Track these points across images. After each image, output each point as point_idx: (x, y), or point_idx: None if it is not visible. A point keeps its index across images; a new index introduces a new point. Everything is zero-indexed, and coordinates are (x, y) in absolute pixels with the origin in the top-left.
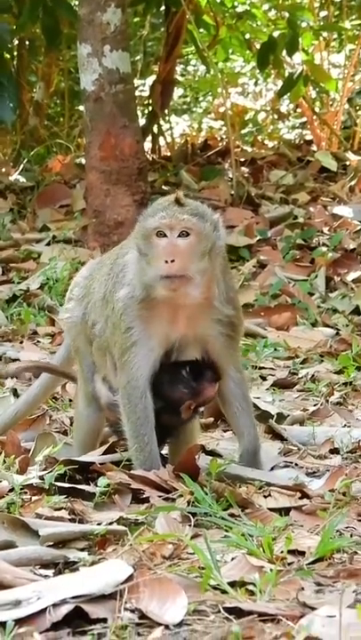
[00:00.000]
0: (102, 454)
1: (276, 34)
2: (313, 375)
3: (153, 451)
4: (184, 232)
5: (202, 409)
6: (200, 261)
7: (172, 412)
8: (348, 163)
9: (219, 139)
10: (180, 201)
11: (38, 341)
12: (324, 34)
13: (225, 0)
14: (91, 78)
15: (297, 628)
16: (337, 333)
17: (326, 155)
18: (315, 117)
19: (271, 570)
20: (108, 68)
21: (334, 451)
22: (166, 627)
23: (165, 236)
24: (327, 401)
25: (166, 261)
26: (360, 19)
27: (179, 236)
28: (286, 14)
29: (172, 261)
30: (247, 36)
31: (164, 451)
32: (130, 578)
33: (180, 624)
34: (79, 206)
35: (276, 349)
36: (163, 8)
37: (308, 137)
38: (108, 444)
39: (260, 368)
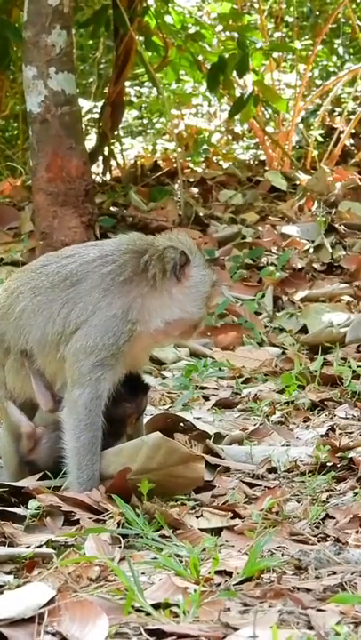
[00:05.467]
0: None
1: (226, 55)
2: (255, 394)
3: (96, 472)
4: None
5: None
6: None
7: (114, 432)
8: (298, 182)
9: (173, 160)
10: None
11: None
12: (276, 54)
13: (175, 21)
14: (36, 100)
15: None
16: (283, 353)
17: (276, 174)
18: (266, 138)
19: (195, 591)
20: (54, 90)
21: (272, 470)
22: None
23: None
24: (268, 420)
25: None
26: (312, 39)
27: None
28: (236, 35)
29: None
30: (198, 56)
31: None
32: (51, 601)
33: None
34: (27, 228)
35: (220, 369)
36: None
37: (263, 157)
38: (42, 472)
39: (203, 388)
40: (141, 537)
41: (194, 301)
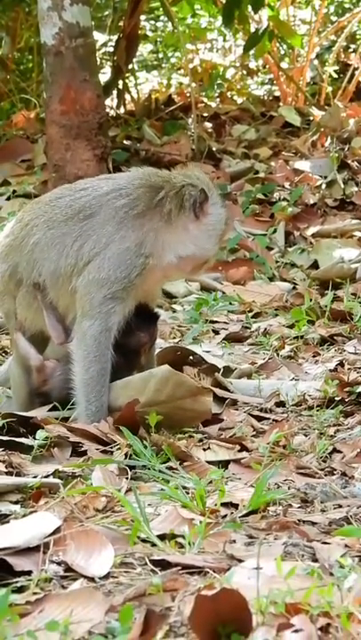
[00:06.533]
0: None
1: None
2: (265, 329)
3: (104, 404)
4: None
5: None
6: None
7: (128, 363)
8: (311, 118)
9: (187, 94)
10: None
11: None
12: None
13: None
14: (51, 32)
15: (221, 580)
16: (294, 288)
17: (290, 110)
18: (281, 73)
19: (201, 522)
20: (68, 22)
21: (281, 404)
22: (91, 579)
23: None
24: (277, 354)
25: None
26: None
27: None
28: None
29: None
30: None
31: None
32: (57, 530)
33: (105, 576)
34: (40, 161)
35: (230, 303)
36: None
37: (277, 93)
38: (51, 404)
39: (214, 322)
40: (148, 469)
41: (209, 238)
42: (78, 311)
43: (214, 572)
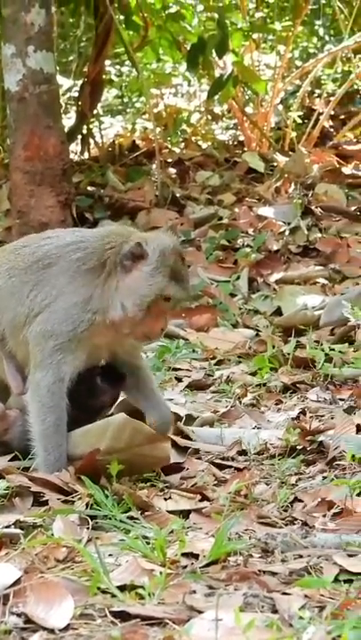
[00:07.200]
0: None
1: (206, 35)
2: (228, 376)
3: (63, 454)
4: None
5: None
6: None
7: (88, 421)
8: (275, 164)
9: (153, 139)
10: None
11: None
12: (256, 35)
13: (155, 0)
14: (15, 78)
15: (180, 632)
16: (257, 335)
17: (254, 155)
18: (245, 118)
19: (161, 573)
20: (32, 69)
21: (242, 452)
22: (51, 631)
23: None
24: (240, 402)
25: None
26: (292, 20)
27: None
28: (216, 15)
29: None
30: (178, 37)
31: None
32: (17, 582)
33: (65, 628)
34: (4, 207)
35: (194, 351)
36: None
37: (242, 138)
38: (12, 454)
39: (177, 369)
40: (110, 518)
41: (131, 296)
42: (32, 362)
43: (174, 623)
